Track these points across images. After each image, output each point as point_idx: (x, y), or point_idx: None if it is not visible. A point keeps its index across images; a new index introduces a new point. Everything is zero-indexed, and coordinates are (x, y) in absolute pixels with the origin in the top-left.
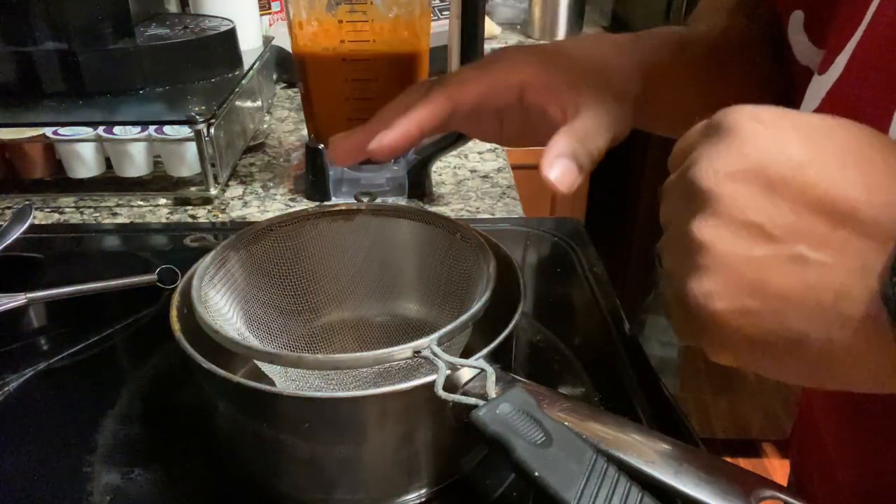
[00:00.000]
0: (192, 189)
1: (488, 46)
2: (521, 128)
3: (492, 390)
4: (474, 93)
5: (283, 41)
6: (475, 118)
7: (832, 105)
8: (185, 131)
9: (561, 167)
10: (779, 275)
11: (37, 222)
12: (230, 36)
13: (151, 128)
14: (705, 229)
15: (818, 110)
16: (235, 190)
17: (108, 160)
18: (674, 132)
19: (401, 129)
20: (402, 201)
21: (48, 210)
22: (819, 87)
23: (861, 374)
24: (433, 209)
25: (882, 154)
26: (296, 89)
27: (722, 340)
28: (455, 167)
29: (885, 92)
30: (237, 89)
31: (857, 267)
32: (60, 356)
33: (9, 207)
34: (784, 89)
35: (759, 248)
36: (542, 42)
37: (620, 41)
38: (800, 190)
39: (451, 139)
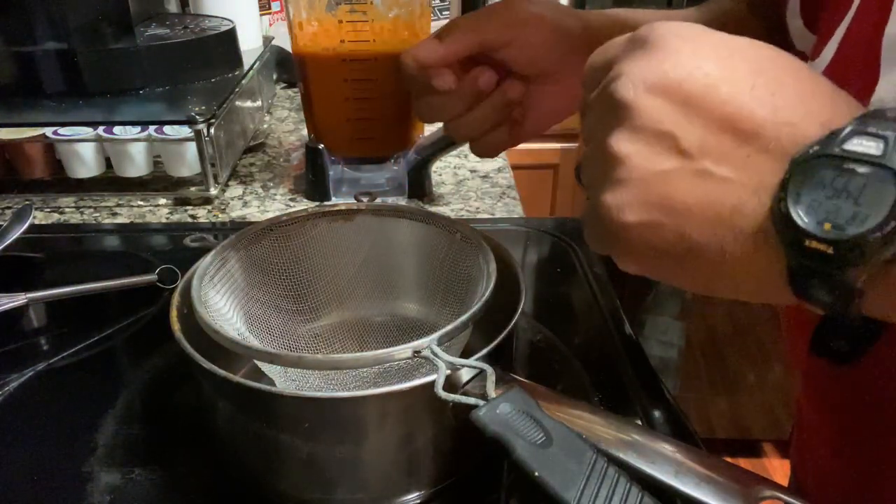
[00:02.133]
0: (192, 189)
1: None
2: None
3: (492, 390)
4: (443, 49)
5: (283, 41)
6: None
7: None
8: (185, 131)
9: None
10: (684, 189)
11: (37, 222)
12: (230, 36)
13: (151, 128)
14: (622, 143)
15: None
16: (235, 190)
17: (108, 160)
18: None
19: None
20: (402, 201)
21: (48, 210)
22: None
23: (750, 286)
24: (433, 209)
25: (792, 76)
26: (296, 89)
27: (630, 250)
28: (455, 167)
29: (866, 81)
30: (237, 89)
31: (754, 183)
32: (60, 356)
33: (9, 207)
34: None
35: (669, 162)
36: None
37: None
38: (711, 107)
39: (451, 139)
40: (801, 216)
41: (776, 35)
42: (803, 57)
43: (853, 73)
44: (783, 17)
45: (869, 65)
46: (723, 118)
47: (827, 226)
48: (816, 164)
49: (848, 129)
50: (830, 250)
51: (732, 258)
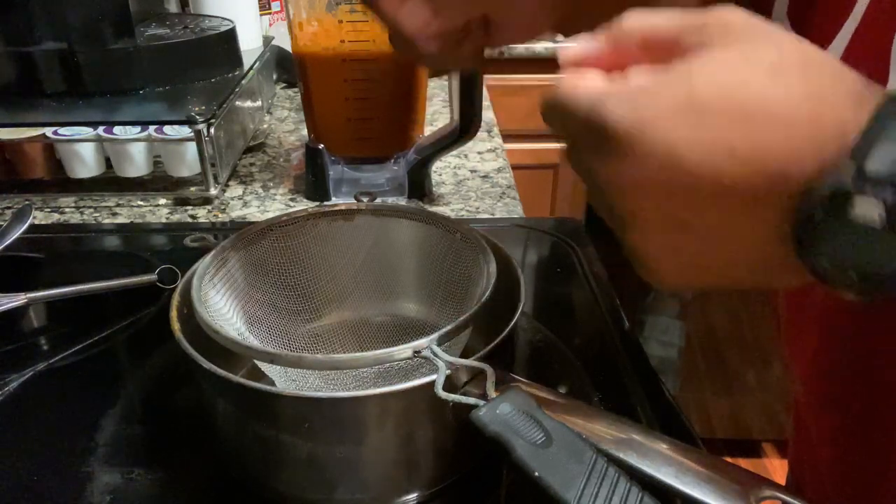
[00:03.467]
0: (192, 189)
1: None
2: None
3: (492, 390)
4: None
5: (283, 41)
6: None
7: None
8: (185, 131)
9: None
10: (707, 251)
11: (37, 222)
12: (230, 36)
13: (151, 128)
14: (631, 207)
15: None
16: (235, 190)
17: (108, 160)
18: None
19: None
20: (402, 201)
21: (48, 210)
22: None
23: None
24: (433, 209)
25: (780, 113)
26: (296, 89)
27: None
28: (455, 167)
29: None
30: (237, 89)
31: (766, 235)
32: (60, 356)
33: (9, 207)
34: None
35: (681, 236)
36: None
37: None
38: (701, 192)
39: (451, 139)
40: (824, 267)
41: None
42: None
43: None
44: (768, 16)
45: (878, 71)
46: (714, 195)
47: (853, 274)
48: (823, 223)
49: (848, 188)
50: (860, 295)
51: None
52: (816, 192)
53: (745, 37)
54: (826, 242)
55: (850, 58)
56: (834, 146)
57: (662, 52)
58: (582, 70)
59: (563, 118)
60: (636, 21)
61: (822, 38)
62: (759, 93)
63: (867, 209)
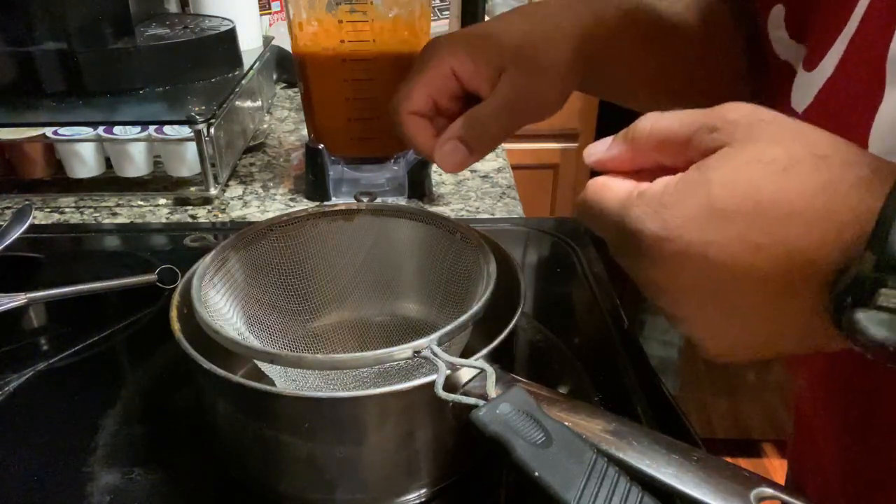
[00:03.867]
0: (192, 189)
1: None
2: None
3: (492, 390)
4: (423, 95)
5: (283, 41)
6: (446, 111)
7: (825, 103)
8: (185, 131)
9: (448, 148)
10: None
11: (37, 222)
12: (230, 36)
13: (151, 128)
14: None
15: (810, 108)
16: (235, 190)
17: (108, 160)
18: (624, 101)
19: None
20: (402, 201)
21: (48, 210)
22: (809, 84)
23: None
24: (433, 209)
25: (797, 203)
26: (296, 89)
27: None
28: None
29: (872, 95)
30: (237, 89)
31: (805, 321)
32: (60, 356)
33: (9, 207)
34: (757, 80)
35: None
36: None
37: (555, 11)
38: (733, 289)
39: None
40: (863, 344)
41: (754, 41)
42: (787, 68)
43: (858, 88)
44: (762, 26)
45: (874, 79)
46: (750, 286)
47: (890, 349)
48: (853, 310)
49: (870, 279)
50: None
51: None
52: (843, 281)
53: (754, 135)
54: (860, 325)
55: (846, 67)
56: (851, 233)
57: (677, 152)
58: (607, 168)
59: (595, 220)
60: (651, 123)
61: (819, 47)
62: (773, 191)
63: (892, 297)
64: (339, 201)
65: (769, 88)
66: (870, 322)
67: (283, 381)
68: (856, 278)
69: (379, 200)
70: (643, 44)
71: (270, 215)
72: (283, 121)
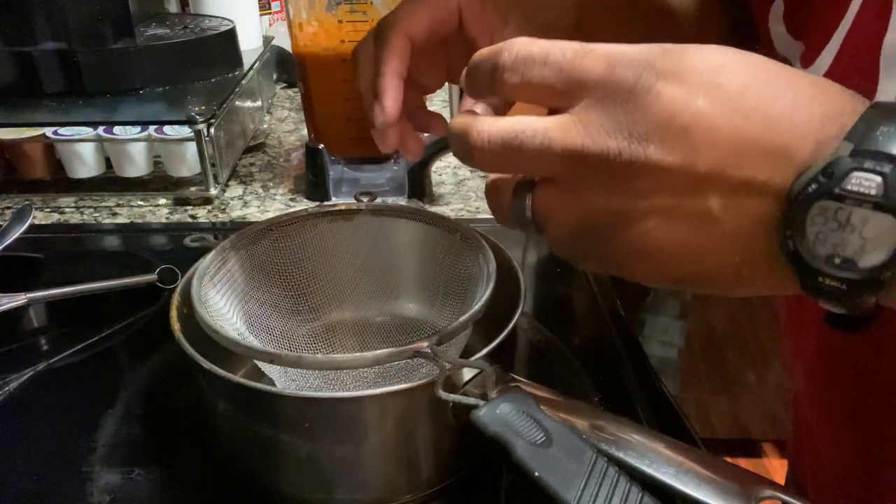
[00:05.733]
0: (192, 189)
1: None
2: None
3: (492, 390)
4: (424, 20)
5: (283, 41)
6: (428, 57)
7: None
8: (185, 131)
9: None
10: (692, 238)
11: (37, 222)
12: (230, 36)
13: (151, 128)
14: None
15: None
16: (235, 190)
17: (108, 160)
18: None
19: (388, 95)
20: (402, 201)
21: (48, 210)
22: None
23: (765, 291)
24: (433, 209)
25: (779, 90)
26: (296, 89)
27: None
28: (455, 167)
29: (865, 90)
30: (237, 89)
31: (754, 224)
32: (60, 356)
33: (9, 207)
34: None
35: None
36: None
37: None
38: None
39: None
40: (809, 251)
41: (742, 30)
42: (786, 61)
43: (852, 82)
44: (762, 21)
45: (868, 74)
46: (717, 171)
47: (836, 260)
48: (817, 202)
49: (845, 164)
50: (844, 286)
51: (748, 277)
52: (813, 169)
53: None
54: (816, 221)
55: (841, 62)
56: (835, 126)
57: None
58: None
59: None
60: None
61: (816, 44)
62: (770, 69)
63: (864, 181)
64: (339, 201)
65: None
66: (825, 217)
67: (283, 381)
68: (829, 158)
69: (379, 200)
70: (641, 18)
71: (270, 215)
72: (283, 121)
